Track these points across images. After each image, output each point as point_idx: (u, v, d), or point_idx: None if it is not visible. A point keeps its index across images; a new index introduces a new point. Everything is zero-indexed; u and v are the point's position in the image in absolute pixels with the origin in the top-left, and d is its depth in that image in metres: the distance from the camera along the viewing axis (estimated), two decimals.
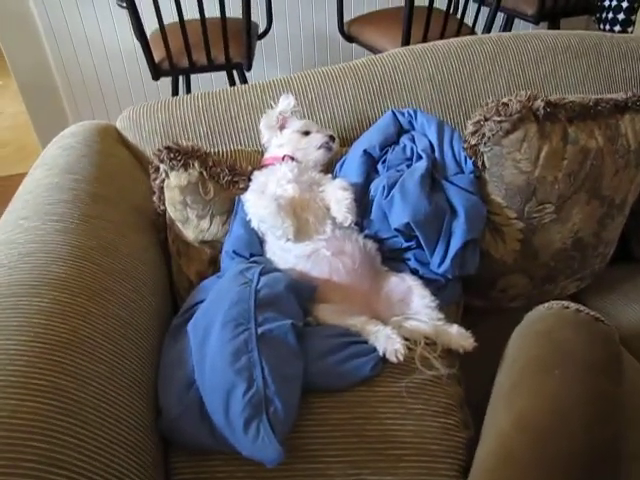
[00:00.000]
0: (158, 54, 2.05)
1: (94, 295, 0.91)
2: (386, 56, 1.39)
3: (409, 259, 1.08)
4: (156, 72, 2.08)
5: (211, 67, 2.09)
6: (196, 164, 1.11)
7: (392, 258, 1.09)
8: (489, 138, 1.05)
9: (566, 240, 1.13)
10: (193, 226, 1.13)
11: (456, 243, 1.01)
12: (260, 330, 0.83)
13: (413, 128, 1.19)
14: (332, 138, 1.18)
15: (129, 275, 1.02)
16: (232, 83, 2.30)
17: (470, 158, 1.09)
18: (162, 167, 1.12)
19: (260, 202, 1.04)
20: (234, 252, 1.07)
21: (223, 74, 2.25)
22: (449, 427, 0.87)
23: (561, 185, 1.07)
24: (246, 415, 0.76)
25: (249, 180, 1.14)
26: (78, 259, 0.94)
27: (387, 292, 1.03)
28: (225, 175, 1.12)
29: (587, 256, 1.19)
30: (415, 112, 1.20)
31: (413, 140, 1.14)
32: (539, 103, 1.02)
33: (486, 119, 1.04)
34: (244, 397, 0.77)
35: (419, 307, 1.01)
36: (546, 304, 0.94)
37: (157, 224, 1.19)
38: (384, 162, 1.13)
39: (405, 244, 1.06)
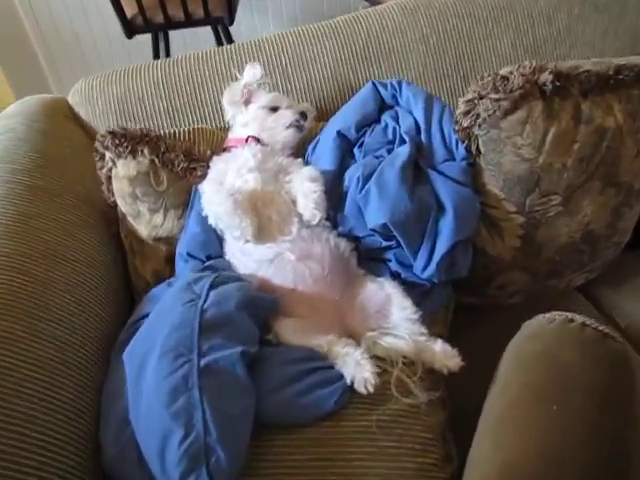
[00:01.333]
0: (130, 9, 1.85)
1: (23, 314, 0.80)
2: (372, 12, 1.21)
3: (390, 260, 0.93)
4: (129, 29, 1.89)
5: (189, 22, 1.90)
6: (146, 151, 0.97)
7: (371, 258, 0.95)
8: (485, 119, 0.87)
9: (574, 234, 0.98)
10: (145, 221, 0.99)
11: (443, 246, 0.86)
12: (203, 362, 0.71)
13: (397, 103, 1.01)
14: (304, 115, 1.02)
15: (72, 284, 0.91)
16: (219, 41, 2.11)
17: (462, 142, 0.92)
18: (108, 155, 0.98)
19: (215, 198, 0.90)
20: (188, 254, 0.94)
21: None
22: (427, 467, 0.76)
23: (570, 173, 0.90)
24: (182, 469, 0.66)
25: (208, 167, 0.99)
26: (6, 270, 0.84)
27: (362, 301, 0.90)
28: (180, 162, 0.99)
29: (599, 249, 1.04)
30: (400, 84, 1.02)
31: (396, 118, 0.97)
32: (546, 76, 0.84)
33: (481, 97, 0.86)
34: (180, 446, 0.66)
35: (398, 320, 0.87)
36: (547, 315, 0.80)
37: (109, 217, 1.06)
38: (361, 145, 0.96)
39: (384, 243, 0.92)
